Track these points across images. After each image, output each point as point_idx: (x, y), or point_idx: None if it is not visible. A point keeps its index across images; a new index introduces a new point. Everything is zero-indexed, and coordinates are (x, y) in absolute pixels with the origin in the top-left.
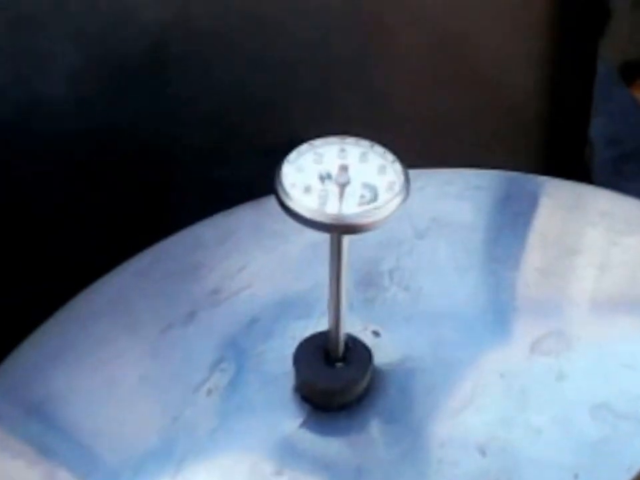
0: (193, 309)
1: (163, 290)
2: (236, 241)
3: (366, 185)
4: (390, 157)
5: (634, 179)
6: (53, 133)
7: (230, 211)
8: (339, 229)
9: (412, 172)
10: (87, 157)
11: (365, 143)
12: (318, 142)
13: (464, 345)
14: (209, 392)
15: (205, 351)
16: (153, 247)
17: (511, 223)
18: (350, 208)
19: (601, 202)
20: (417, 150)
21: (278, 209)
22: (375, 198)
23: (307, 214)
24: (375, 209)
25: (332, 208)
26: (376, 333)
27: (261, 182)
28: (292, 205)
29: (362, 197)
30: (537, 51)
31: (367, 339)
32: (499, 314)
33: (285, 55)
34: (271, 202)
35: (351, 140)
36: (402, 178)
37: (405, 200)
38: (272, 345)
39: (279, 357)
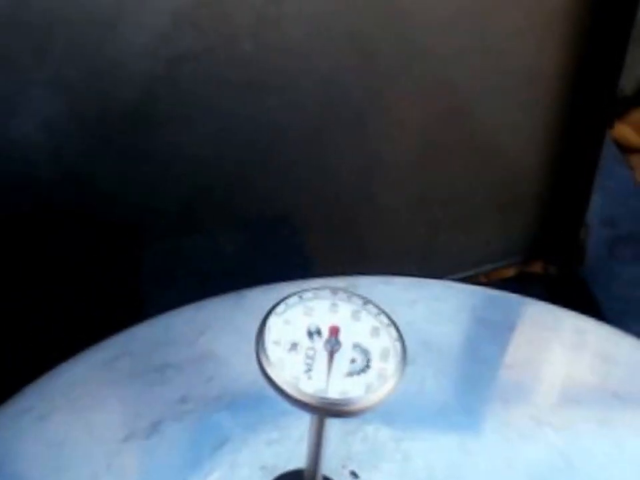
0: (158, 419)
1: (128, 390)
2: (208, 341)
3: (357, 347)
4: (384, 319)
5: (628, 262)
6: (25, 177)
7: (204, 302)
8: (323, 412)
9: (401, 280)
10: (60, 205)
11: (358, 300)
12: (308, 294)
13: None
14: None
15: (167, 472)
16: (119, 335)
17: (506, 356)
18: (338, 381)
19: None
20: (409, 218)
21: (258, 303)
22: (366, 364)
23: (288, 389)
24: (366, 390)
25: (318, 381)
26: (354, 474)
27: (236, 253)
28: (273, 373)
29: (352, 361)
30: (542, 127)
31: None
32: (489, 467)
33: (275, 119)
34: (250, 295)
35: (343, 295)
36: (397, 346)
37: (398, 382)
38: (240, 475)
39: None
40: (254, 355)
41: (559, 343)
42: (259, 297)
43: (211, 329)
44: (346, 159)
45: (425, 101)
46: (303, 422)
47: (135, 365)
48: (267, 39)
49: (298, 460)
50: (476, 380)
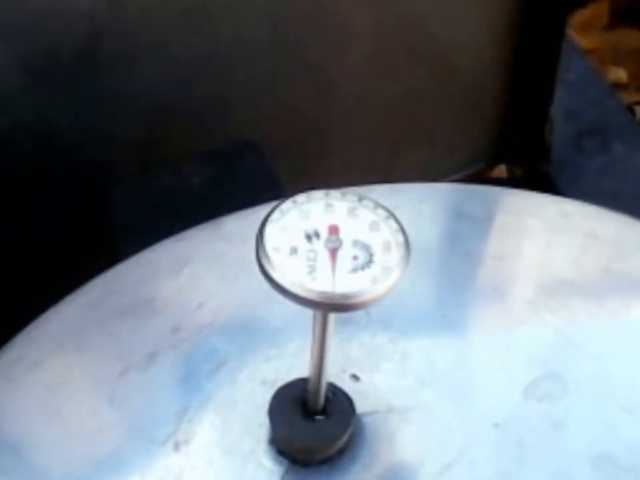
0: (153, 350)
1: (118, 327)
2: (192, 271)
3: (357, 243)
4: (382, 212)
5: (592, 155)
6: None
7: (183, 234)
8: (328, 307)
9: (382, 188)
10: (14, 156)
11: (352, 197)
12: (301, 198)
13: (452, 389)
14: (176, 446)
15: (169, 399)
16: (101, 276)
17: (494, 248)
18: (343, 277)
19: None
20: (369, 134)
21: (237, 229)
22: (369, 259)
23: (294, 289)
24: (372, 283)
25: (323, 279)
26: (355, 377)
27: (209, 186)
28: (277, 276)
29: (354, 258)
30: (499, 25)
31: (346, 384)
32: (489, 354)
33: (230, 49)
34: (228, 222)
35: (336, 194)
36: (399, 238)
37: (403, 272)
38: (242, 391)
39: (250, 406)
40: (256, 265)
41: (545, 228)
42: (236, 223)
43: (193, 259)
44: (302, 79)
45: (376, 10)
46: (298, 337)
47: (122, 302)
48: None
49: (297, 372)
50: (467, 275)
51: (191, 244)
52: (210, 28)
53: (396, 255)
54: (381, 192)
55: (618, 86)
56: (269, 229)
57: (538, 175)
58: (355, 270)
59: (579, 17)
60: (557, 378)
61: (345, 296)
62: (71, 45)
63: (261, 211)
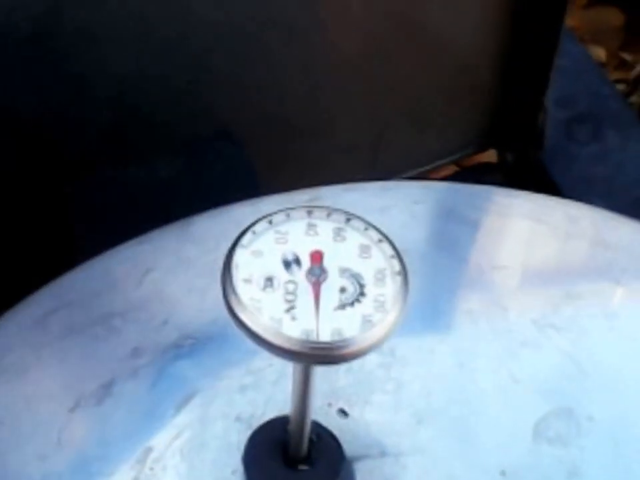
0: (109, 379)
1: (68, 350)
2: (156, 280)
3: (345, 272)
4: (374, 234)
5: (585, 142)
6: None
7: (146, 236)
8: (314, 359)
9: (373, 185)
10: None
11: (339, 217)
12: (278, 217)
13: (452, 427)
14: None
15: (128, 439)
16: (50, 286)
17: (494, 255)
18: (328, 318)
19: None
20: (367, 111)
21: (207, 231)
22: (360, 292)
23: (269, 336)
24: (364, 328)
25: (304, 320)
26: (343, 412)
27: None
28: (247, 319)
29: (342, 290)
30: (494, 7)
31: (332, 420)
32: (492, 385)
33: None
34: (197, 223)
35: (320, 213)
36: (395, 265)
37: (402, 310)
38: (213, 430)
39: (223, 448)
40: (222, 298)
41: (550, 234)
42: (207, 224)
43: (157, 266)
44: (284, 61)
45: None
46: (277, 361)
47: (73, 319)
48: None
49: (277, 405)
50: (467, 286)
51: (155, 248)
52: (181, 9)
53: (391, 286)
54: (372, 190)
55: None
56: (239, 255)
57: (529, 161)
58: (342, 306)
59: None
60: (568, 415)
61: (331, 345)
62: (27, 24)
63: (235, 209)
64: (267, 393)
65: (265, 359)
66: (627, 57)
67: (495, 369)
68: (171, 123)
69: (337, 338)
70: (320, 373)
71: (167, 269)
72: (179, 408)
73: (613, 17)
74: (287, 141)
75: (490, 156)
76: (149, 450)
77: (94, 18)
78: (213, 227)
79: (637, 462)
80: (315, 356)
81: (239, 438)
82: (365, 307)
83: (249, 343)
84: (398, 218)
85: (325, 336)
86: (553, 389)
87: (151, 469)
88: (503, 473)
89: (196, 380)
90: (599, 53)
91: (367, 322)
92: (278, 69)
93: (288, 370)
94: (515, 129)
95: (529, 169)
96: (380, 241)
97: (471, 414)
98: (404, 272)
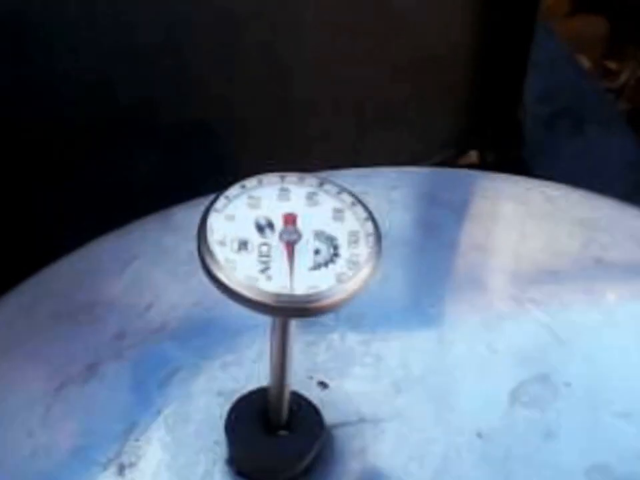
0: (93, 361)
1: (53, 335)
2: (138, 268)
3: (319, 235)
4: (347, 197)
5: (567, 137)
6: None
7: (128, 227)
8: (287, 312)
9: (348, 172)
10: None
11: (312, 181)
12: (251, 182)
13: (430, 395)
14: (121, 469)
15: (113, 415)
16: (34, 277)
17: (474, 237)
18: (302, 276)
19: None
20: (337, 113)
21: (187, 221)
22: (334, 253)
23: (245, 291)
24: (338, 281)
25: (279, 279)
26: (323, 384)
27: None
28: (223, 276)
29: (316, 252)
30: (470, 5)
31: (312, 392)
32: (470, 355)
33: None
34: (178, 213)
35: (292, 178)
36: (368, 227)
37: (375, 267)
38: (196, 404)
39: (205, 420)
40: (198, 262)
41: (529, 215)
42: (188, 214)
43: (139, 256)
44: (262, 56)
45: None
46: (259, 340)
47: (58, 307)
48: None
49: (258, 381)
50: (445, 267)
51: (137, 238)
52: (159, 5)
53: (365, 247)
54: (347, 177)
55: None
56: (213, 219)
57: (511, 159)
58: (317, 266)
59: (541, 4)
60: (545, 381)
61: (306, 298)
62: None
63: None
64: (248, 369)
65: (245, 339)
66: (611, 65)
67: (473, 340)
68: (150, 115)
69: (312, 292)
70: (300, 349)
71: (149, 258)
72: (163, 385)
73: (598, 25)
74: (266, 135)
75: (471, 158)
76: (134, 424)
77: (58, 12)
78: (192, 217)
79: (611, 425)
80: (291, 309)
81: (221, 411)
82: (339, 266)
83: (230, 326)
84: (374, 203)
85: (301, 290)
86: (530, 357)
87: (137, 440)
88: (479, 435)
89: (179, 359)
90: (583, 61)
91: (340, 278)
92: (256, 64)
93: (269, 347)
94: (493, 127)
95: (511, 167)
96: (353, 204)
97: (448, 382)
98: (377, 233)
